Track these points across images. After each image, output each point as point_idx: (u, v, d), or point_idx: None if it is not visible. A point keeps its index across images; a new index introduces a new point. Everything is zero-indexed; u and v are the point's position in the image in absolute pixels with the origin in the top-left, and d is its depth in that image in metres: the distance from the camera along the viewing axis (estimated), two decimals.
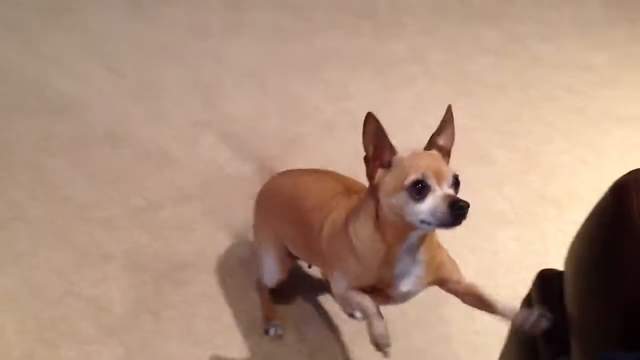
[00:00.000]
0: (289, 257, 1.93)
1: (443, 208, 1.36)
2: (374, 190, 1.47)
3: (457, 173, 1.44)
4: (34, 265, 2.13)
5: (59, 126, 2.69)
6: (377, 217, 1.48)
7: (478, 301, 1.58)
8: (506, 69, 3.33)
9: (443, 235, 2.32)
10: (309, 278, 2.17)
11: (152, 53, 3.20)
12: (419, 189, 1.37)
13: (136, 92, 2.95)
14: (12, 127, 2.66)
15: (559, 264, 1.42)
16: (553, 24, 3.68)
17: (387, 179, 1.44)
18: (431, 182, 1.38)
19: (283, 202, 1.89)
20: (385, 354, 1.54)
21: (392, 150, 1.46)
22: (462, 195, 2.39)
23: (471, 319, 2.07)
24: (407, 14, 3.73)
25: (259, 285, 2.06)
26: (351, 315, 2.03)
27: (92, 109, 2.81)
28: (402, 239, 1.47)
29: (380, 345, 1.53)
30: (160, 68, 3.12)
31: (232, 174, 2.52)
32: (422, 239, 1.49)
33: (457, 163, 2.61)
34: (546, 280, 1.59)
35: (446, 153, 1.51)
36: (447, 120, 1.51)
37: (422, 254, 1.53)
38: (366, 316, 1.56)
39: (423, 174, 1.37)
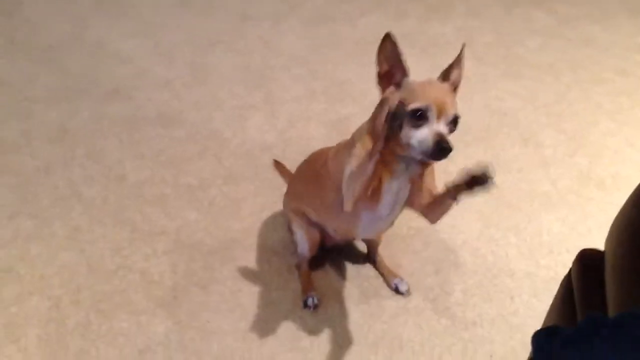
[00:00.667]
0: (314, 229, 2.03)
1: (429, 143, 1.44)
2: (381, 104, 1.56)
3: (459, 113, 1.49)
4: (89, 241, 2.23)
5: (112, 108, 2.79)
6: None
7: (437, 201, 1.65)
8: (555, 51, 3.29)
9: (483, 214, 2.35)
10: (349, 256, 2.22)
11: (202, 39, 3.27)
12: (418, 117, 1.45)
13: (187, 76, 3.03)
14: (67, 110, 2.77)
15: (601, 246, 1.43)
16: (603, 6, 3.62)
17: (395, 97, 1.51)
18: (431, 114, 1.45)
19: (301, 172, 2.05)
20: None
21: (404, 71, 1.53)
22: (507, 176, 2.43)
23: (510, 299, 2.09)
24: None
25: (298, 261, 2.15)
26: (396, 290, 2.08)
27: (144, 92, 2.90)
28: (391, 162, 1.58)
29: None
30: (210, 53, 3.19)
31: (278, 155, 2.57)
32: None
33: (503, 145, 2.65)
34: (587, 260, 1.60)
35: (454, 87, 1.56)
36: (461, 57, 1.57)
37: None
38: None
39: (427, 106, 1.45)
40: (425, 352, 1.95)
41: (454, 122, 1.49)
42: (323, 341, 1.96)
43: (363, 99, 2.89)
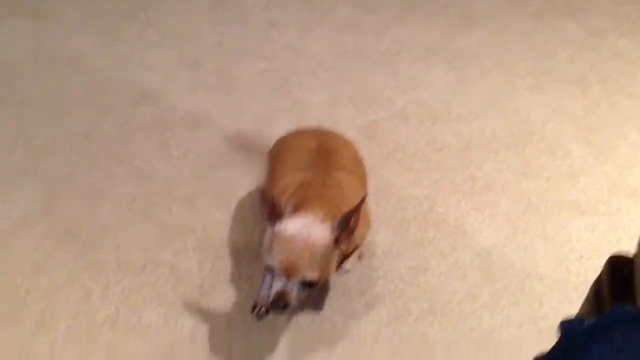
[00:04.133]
0: None
1: (268, 299, 1.64)
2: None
3: (310, 278, 1.59)
4: (119, 238, 2.25)
5: (139, 113, 2.82)
6: None
7: None
8: (584, 63, 3.28)
9: (511, 220, 2.35)
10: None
11: (229, 46, 3.30)
12: (270, 271, 1.63)
13: (213, 82, 3.05)
14: (96, 116, 2.80)
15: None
16: (633, 19, 3.60)
17: (267, 236, 1.72)
18: (278, 273, 1.60)
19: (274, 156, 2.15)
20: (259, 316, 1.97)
21: (280, 216, 1.63)
22: (536, 184, 2.43)
23: (539, 304, 2.08)
24: (481, 7, 3.72)
25: None
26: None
27: (170, 98, 2.93)
28: None
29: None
30: (237, 60, 3.21)
31: None
32: None
33: (531, 153, 2.65)
34: (616, 265, 1.60)
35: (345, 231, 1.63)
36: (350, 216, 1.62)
37: None
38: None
39: (272, 266, 1.60)
40: (451, 353, 1.94)
41: (305, 285, 1.61)
42: (347, 340, 1.96)
43: (389, 105, 2.90)
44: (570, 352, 1.21)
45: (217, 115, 2.83)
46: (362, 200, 1.59)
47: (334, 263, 1.66)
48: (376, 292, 2.11)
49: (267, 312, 1.98)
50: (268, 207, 1.63)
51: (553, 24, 3.57)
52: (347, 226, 1.60)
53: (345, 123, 2.75)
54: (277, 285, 1.60)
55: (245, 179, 2.48)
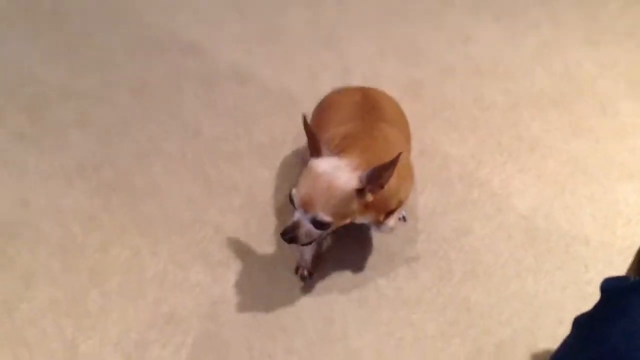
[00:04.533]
0: None
1: (287, 224, 1.67)
2: None
3: (321, 219, 1.61)
4: (167, 195, 2.30)
5: (189, 64, 2.83)
6: None
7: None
8: (637, 15, 3.16)
9: (558, 181, 2.32)
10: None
11: None
12: (291, 201, 1.66)
13: (261, 33, 3.04)
14: (146, 65, 2.83)
15: None
16: None
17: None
18: (296, 204, 1.64)
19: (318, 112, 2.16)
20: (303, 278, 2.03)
21: (318, 152, 1.66)
22: (583, 144, 2.39)
23: (584, 268, 2.07)
24: None
25: None
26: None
27: (219, 48, 2.93)
28: None
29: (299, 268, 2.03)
30: (284, 11, 3.18)
31: None
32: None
33: (580, 112, 2.60)
34: None
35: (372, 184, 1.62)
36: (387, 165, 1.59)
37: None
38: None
39: (292, 195, 1.64)
40: (493, 316, 1.96)
41: (316, 224, 1.62)
42: (389, 302, 1.99)
43: (435, 62, 2.85)
44: (612, 307, 1.22)
45: (263, 69, 2.82)
46: (397, 158, 1.56)
47: (352, 213, 1.66)
48: (419, 253, 2.12)
49: (310, 275, 2.02)
50: (311, 142, 1.66)
51: None
52: (377, 180, 1.60)
53: (390, 79, 2.72)
54: (295, 215, 1.65)
55: (289, 137, 2.50)
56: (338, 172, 1.60)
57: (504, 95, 2.69)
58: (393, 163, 1.56)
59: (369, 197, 1.63)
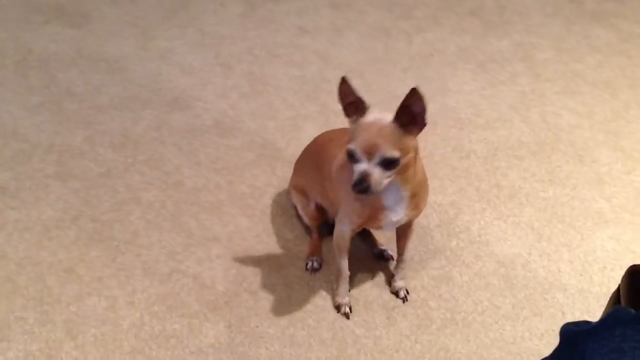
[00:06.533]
0: (312, 205, 2.26)
1: (353, 179, 1.67)
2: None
3: (389, 155, 1.64)
4: (145, 244, 2.30)
5: (172, 116, 2.88)
6: None
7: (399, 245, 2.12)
8: (614, 68, 3.24)
9: (535, 228, 2.33)
10: None
11: (261, 50, 3.34)
12: (351, 156, 1.68)
13: (244, 86, 3.10)
14: (129, 117, 2.87)
15: None
16: None
17: (349, 130, 1.73)
18: (359, 156, 1.66)
19: (308, 155, 2.29)
20: (346, 315, 2.07)
21: (362, 107, 1.71)
22: (561, 192, 2.42)
23: (561, 314, 2.07)
24: (514, 12, 3.70)
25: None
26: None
27: (202, 101, 2.98)
28: None
29: (341, 307, 2.08)
30: (268, 65, 3.25)
31: None
32: (399, 178, 1.74)
33: (558, 160, 2.63)
34: (636, 276, 1.60)
35: (409, 121, 1.66)
36: (412, 97, 1.63)
37: (404, 191, 1.81)
38: (338, 277, 2.08)
39: (354, 148, 1.66)
40: None
41: (385, 163, 1.65)
42: (369, 350, 1.98)
43: None
44: (570, 352, 1.23)
45: (246, 121, 2.87)
46: (415, 91, 1.62)
47: (409, 148, 1.70)
48: (398, 301, 2.12)
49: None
50: (356, 104, 1.72)
51: (584, 29, 3.54)
52: (412, 116, 1.65)
53: None
54: (360, 167, 1.66)
55: (272, 189, 2.51)
56: (385, 118, 1.68)
57: (483, 144, 2.73)
58: (413, 93, 1.62)
59: (415, 134, 1.70)
